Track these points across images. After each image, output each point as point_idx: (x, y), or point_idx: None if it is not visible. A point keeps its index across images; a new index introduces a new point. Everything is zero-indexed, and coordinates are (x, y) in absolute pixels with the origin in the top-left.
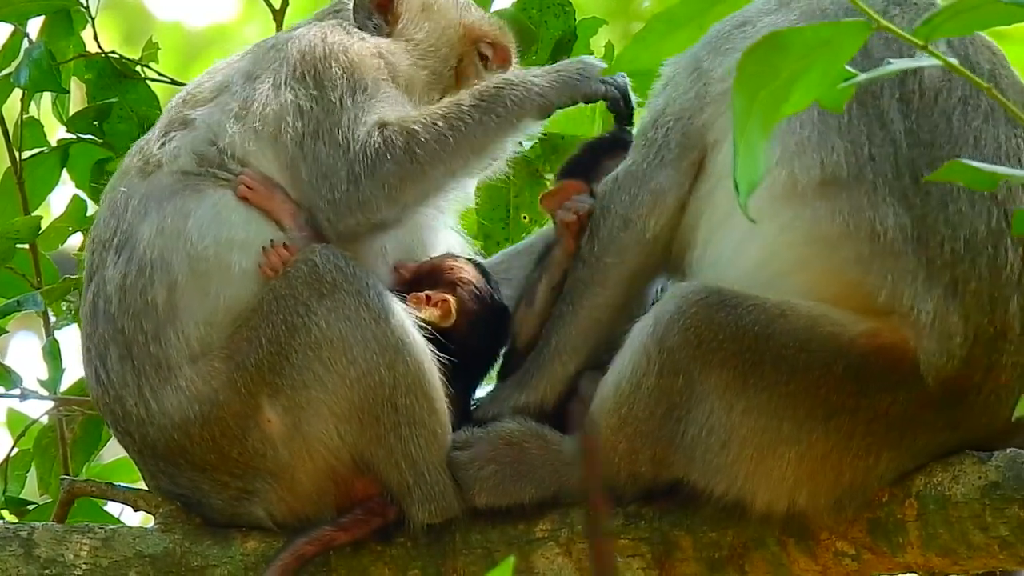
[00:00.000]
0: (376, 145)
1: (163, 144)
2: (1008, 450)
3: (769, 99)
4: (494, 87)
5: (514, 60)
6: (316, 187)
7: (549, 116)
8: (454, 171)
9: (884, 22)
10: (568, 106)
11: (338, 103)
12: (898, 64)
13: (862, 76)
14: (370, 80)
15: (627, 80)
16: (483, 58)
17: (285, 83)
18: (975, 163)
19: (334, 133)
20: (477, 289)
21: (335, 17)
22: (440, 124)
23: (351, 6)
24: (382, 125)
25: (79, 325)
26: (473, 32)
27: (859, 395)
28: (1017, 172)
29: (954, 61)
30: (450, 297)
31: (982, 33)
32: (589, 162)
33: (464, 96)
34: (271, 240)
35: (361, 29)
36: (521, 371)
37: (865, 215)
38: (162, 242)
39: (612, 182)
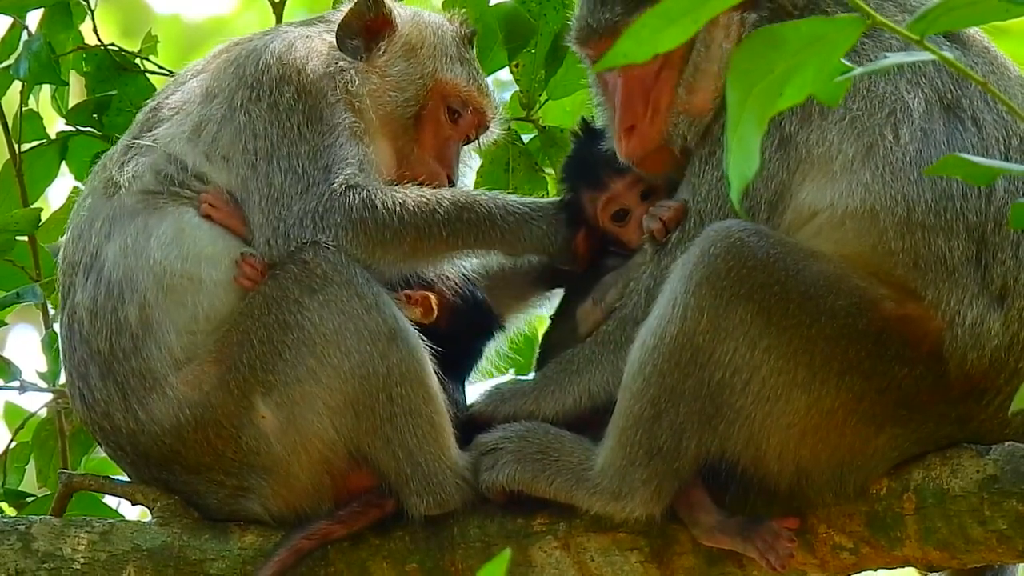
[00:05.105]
0: (337, 200)
1: (124, 164)
2: (1006, 444)
3: (763, 94)
4: (473, 206)
5: (494, 124)
6: (265, 210)
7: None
8: (396, 260)
9: (880, 18)
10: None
11: (295, 129)
12: (894, 58)
13: (858, 70)
14: (326, 107)
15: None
16: (453, 114)
17: (241, 105)
18: (972, 157)
19: (292, 161)
20: (454, 283)
21: (321, 24)
22: (404, 216)
23: (338, 20)
24: (350, 186)
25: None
26: (445, 88)
27: (876, 358)
28: (1016, 167)
29: (949, 55)
30: (430, 294)
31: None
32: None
33: (444, 199)
34: (241, 253)
35: (340, 46)
36: (542, 380)
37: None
38: (126, 262)
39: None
